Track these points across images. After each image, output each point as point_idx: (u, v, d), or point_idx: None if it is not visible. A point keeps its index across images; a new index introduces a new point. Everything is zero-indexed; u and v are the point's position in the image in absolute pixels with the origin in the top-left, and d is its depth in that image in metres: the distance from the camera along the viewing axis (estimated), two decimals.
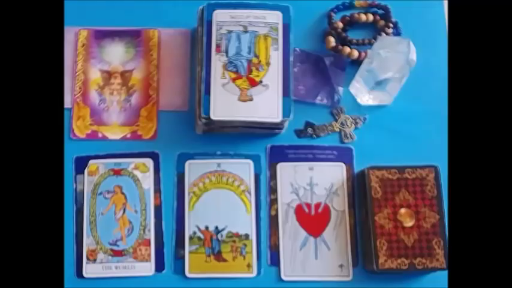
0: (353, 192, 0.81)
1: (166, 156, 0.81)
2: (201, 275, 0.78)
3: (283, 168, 0.82)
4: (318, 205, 0.81)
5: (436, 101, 0.84)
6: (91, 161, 0.81)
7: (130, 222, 0.79)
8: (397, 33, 0.87)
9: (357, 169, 0.82)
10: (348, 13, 0.88)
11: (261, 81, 0.77)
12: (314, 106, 0.84)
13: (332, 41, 0.85)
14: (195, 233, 0.79)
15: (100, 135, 0.82)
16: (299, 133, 0.83)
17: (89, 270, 0.78)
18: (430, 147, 0.82)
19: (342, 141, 0.83)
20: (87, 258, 0.78)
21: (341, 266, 0.79)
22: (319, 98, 0.84)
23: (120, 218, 0.79)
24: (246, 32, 0.78)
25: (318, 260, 0.79)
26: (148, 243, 0.79)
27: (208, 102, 0.76)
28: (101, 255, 0.78)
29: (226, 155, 0.82)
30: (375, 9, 0.88)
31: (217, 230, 0.79)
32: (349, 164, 0.82)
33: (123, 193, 0.80)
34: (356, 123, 0.84)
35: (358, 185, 0.81)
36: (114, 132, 0.82)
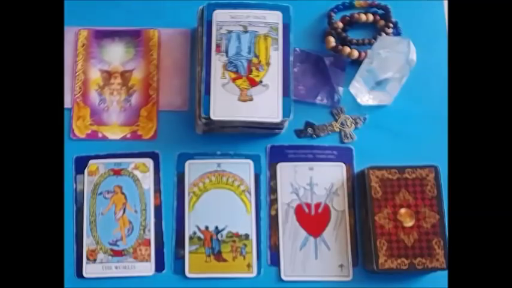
0: (353, 192, 0.81)
1: (166, 156, 0.81)
2: (201, 275, 0.78)
3: (283, 168, 0.82)
4: (318, 205, 0.81)
5: (436, 101, 0.84)
6: (91, 161, 0.81)
7: (130, 222, 0.79)
8: (397, 33, 0.87)
9: (357, 169, 0.82)
10: (348, 13, 0.88)
11: (261, 81, 0.77)
12: (314, 106, 0.84)
13: (332, 41, 0.85)
14: (195, 233, 0.79)
15: (100, 135, 0.82)
16: (299, 133, 0.83)
17: (89, 270, 0.78)
18: (430, 147, 0.82)
19: (342, 141, 0.83)
20: (87, 258, 0.78)
21: (341, 266, 0.79)
22: (319, 98, 0.84)
23: (120, 218, 0.79)
24: (246, 32, 0.78)
25: (318, 260, 0.79)
26: (148, 243, 0.79)
27: (208, 102, 0.76)
28: (101, 255, 0.78)
29: (226, 155, 0.82)
30: (375, 9, 0.88)
31: (217, 230, 0.79)
32: (349, 164, 0.82)
33: (123, 193, 0.80)
34: (356, 123, 0.84)
35: (358, 185, 0.81)
36: (114, 132, 0.82)
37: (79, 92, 0.84)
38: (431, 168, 0.76)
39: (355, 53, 0.84)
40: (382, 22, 0.87)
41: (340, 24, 0.86)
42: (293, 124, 0.82)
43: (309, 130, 0.83)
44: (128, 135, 0.82)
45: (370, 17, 0.87)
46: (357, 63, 0.83)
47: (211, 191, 0.80)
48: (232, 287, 0.78)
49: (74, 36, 0.86)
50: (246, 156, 0.82)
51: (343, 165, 0.82)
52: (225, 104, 0.76)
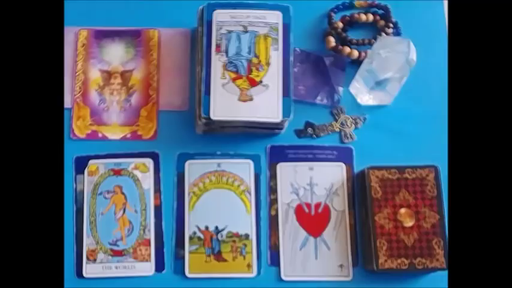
0: (353, 192, 0.81)
1: (166, 156, 0.81)
2: (201, 275, 0.78)
3: (283, 168, 0.82)
4: (318, 205, 0.81)
5: (436, 101, 0.84)
6: (91, 161, 0.81)
7: (130, 222, 0.79)
8: (397, 33, 0.87)
9: (357, 169, 0.82)
10: (348, 13, 0.88)
11: (261, 81, 0.77)
12: (314, 106, 0.84)
13: (332, 41, 0.85)
14: (195, 233, 0.79)
15: (100, 135, 0.82)
16: (299, 133, 0.83)
17: (89, 270, 0.78)
18: (430, 147, 0.82)
19: (342, 141, 0.83)
20: (87, 258, 0.78)
21: (341, 266, 0.79)
22: (319, 98, 0.84)
23: (120, 218, 0.79)
24: (246, 32, 0.78)
25: (318, 260, 0.79)
26: (148, 243, 0.79)
27: (208, 102, 0.76)
28: (101, 255, 0.78)
29: (226, 155, 0.82)
30: (375, 9, 0.88)
31: (217, 230, 0.79)
32: (349, 164, 0.82)
33: (123, 193, 0.80)
34: (356, 123, 0.84)
35: (358, 185, 0.81)
36: (114, 132, 0.82)
37: (79, 92, 0.84)
38: (431, 168, 0.76)
39: (355, 53, 0.84)
40: (382, 22, 0.87)
41: (340, 24, 0.86)
42: (293, 124, 0.82)
43: (309, 130, 0.83)
44: (128, 135, 0.82)
45: (370, 17, 0.87)
46: (357, 63, 0.83)
47: (211, 191, 0.80)
48: (232, 287, 0.78)
49: (74, 36, 0.86)
50: (246, 156, 0.82)
51: (343, 165, 0.82)
52: (225, 104, 0.76)
